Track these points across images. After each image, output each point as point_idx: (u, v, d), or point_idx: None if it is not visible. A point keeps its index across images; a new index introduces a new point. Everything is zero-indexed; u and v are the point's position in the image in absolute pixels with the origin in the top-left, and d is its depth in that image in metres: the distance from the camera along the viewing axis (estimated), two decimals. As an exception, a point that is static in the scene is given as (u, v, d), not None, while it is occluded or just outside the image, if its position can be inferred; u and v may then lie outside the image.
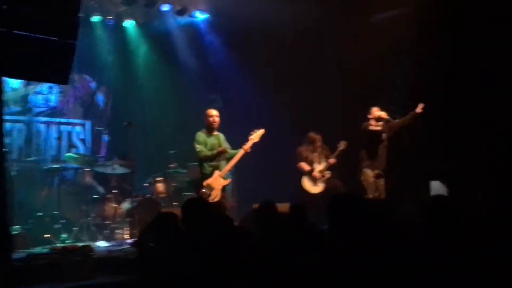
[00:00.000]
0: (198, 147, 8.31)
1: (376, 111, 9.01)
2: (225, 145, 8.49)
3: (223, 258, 3.80)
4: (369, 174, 8.95)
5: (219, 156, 8.30)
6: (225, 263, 3.77)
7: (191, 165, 10.94)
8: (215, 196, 8.11)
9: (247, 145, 8.30)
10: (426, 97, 9.38)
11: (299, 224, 5.35)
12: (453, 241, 3.70)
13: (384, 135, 9.06)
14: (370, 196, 8.64)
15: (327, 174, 9.78)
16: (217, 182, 8.21)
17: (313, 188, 9.74)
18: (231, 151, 8.42)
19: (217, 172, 8.23)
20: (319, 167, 9.78)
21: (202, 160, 8.33)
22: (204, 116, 8.53)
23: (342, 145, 9.71)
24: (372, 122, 8.99)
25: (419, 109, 8.93)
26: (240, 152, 8.31)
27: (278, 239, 4.45)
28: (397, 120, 9.12)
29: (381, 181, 8.97)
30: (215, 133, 8.47)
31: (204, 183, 8.21)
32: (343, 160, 9.82)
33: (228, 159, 8.36)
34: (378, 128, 8.93)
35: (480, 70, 8.79)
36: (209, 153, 8.25)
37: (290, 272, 3.72)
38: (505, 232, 3.88)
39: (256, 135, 8.42)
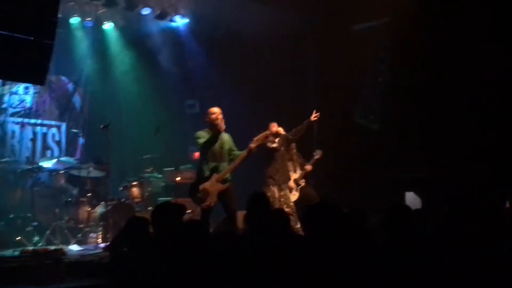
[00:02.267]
0: (200, 139, 7.62)
1: (274, 127, 9.09)
2: (231, 146, 7.79)
3: (193, 263, 3.78)
4: (274, 190, 9.01)
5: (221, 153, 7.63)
6: (196, 268, 3.75)
7: (167, 170, 10.90)
8: (210, 202, 7.45)
9: (253, 145, 7.54)
10: (404, 106, 9.50)
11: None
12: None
13: (282, 149, 9.17)
14: None
15: (302, 182, 9.78)
16: (214, 187, 7.51)
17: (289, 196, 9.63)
18: (236, 152, 7.74)
19: (215, 176, 7.54)
20: (294, 175, 9.77)
21: (204, 154, 7.66)
22: (206, 115, 7.76)
23: (318, 154, 9.77)
24: (271, 138, 9.00)
25: (313, 117, 9.17)
26: (243, 154, 7.59)
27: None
28: (291, 132, 9.28)
29: (286, 194, 9.10)
30: (221, 133, 7.69)
31: (200, 187, 7.54)
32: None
33: (231, 160, 7.71)
34: (275, 145, 8.97)
35: (457, 79, 8.92)
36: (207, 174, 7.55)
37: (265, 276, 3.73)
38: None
39: (260, 137, 7.71)
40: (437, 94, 9.22)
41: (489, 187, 8.12)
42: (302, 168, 9.83)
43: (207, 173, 7.58)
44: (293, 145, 9.82)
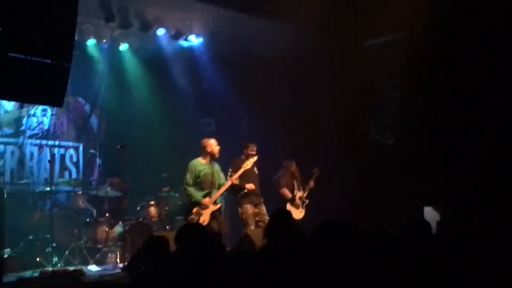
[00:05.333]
0: (190, 189, 8.59)
1: (251, 150, 9.19)
2: (220, 175, 8.83)
3: (213, 283, 3.78)
4: (249, 208, 9.07)
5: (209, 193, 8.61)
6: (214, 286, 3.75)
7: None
8: (203, 220, 8.28)
9: (236, 175, 8.68)
10: (419, 122, 9.46)
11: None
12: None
13: (255, 169, 9.25)
14: (252, 227, 8.86)
15: (307, 201, 10.01)
16: (207, 208, 8.48)
17: (295, 213, 9.73)
18: (222, 182, 8.77)
19: (207, 199, 8.49)
20: (299, 193, 10.01)
21: (199, 181, 8.61)
22: (204, 144, 8.76)
23: (317, 171, 10.08)
24: (245, 159, 9.17)
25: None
26: (228, 183, 8.69)
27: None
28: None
29: (262, 210, 9.16)
30: (212, 163, 8.77)
31: (194, 210, 8.44)
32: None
33: (220, 186, 8.72)
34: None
35: (472, 92, 8.87)
36: (199, 198, 8.51)
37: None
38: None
39: (249, 163, 8.82)
40: (452, 108, 9.17)
41: (507, 200, 8.04)
42: (304, 186, 10.00)
43: (200, 198, 8.51)
44: (295, 163, 10.00)
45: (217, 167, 8.84)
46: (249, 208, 9.06)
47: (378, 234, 4.25)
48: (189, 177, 8.62)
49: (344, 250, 3.62)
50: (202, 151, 8.80)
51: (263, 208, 9.20)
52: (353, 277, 3.38)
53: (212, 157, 8.72)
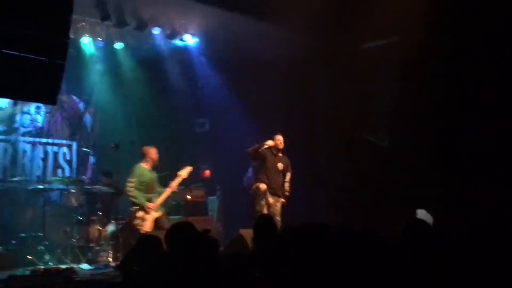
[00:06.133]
0: (135, 192, 8.80)
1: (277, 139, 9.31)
2: (157, 181, 9.27)
3: (207, 282, 3.77)
4: (263, 187, 9.19)
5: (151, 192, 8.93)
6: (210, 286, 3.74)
7: (177, 188, 10.91)
8: (148, 227, 8.62)
9: (175, 183, 9.05)
10: (415, 123, 9.48)
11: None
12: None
13: (279, 165, 9.37)
14: (257, 207, 9.05)
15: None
16: (151, 214, 8.76)
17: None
18: (159, 189, 9.12)
19: (151, 204, 8.80)
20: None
21: (142, 186, 8.91)
22: (147, 151, 9.16)
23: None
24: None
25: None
26: (168, 191, 9.03)
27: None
28: None
29: (277, 204, 9.21)
30: (151, 168, 9.14)
31: (138, 215, 8.71)
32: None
33: (160, 194, 9.02)
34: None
35: (468, 95, 8.89)
36: (143, 201, 8.77)
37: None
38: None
39: (184, 171, 9.14)
40: (448, 110, 9.19)
41: (504, 204, 8.06)
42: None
43: (145, 202, 8.76)
44: None
45: (154, 173, 9.23)
46: (263, 187, 9.12)
47: (367, 234, 4.27)
48: (134, 181, 8.83)
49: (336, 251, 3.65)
50: (144, 158, 9.12)
51: (279, 204, 9.22)
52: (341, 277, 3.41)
53: (153, 164, 9.13)
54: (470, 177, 8.76)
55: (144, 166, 9.05)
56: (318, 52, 11.30)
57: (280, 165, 9.31)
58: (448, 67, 9.17)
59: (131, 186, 8.81)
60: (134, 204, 8.79)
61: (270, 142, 9.16)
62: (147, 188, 8.96)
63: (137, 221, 8.64)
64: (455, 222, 8.22)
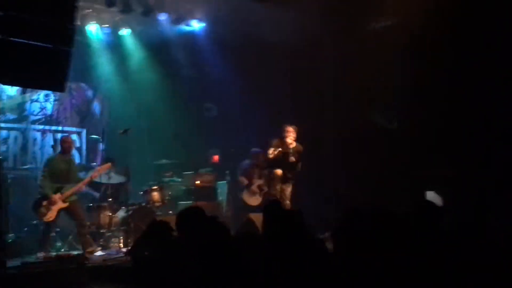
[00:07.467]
0: (43, 182, 8.73)
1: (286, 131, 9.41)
2: (76, 170, 9.28)
3: (217, 265, 3.80)
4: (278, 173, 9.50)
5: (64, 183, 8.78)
6: (219, 270, 3.76)
7: (187, 173, 10.95)
8: (50, 217, 8.51)
9: (94, 174, 9.08)
10: (423, 104, 9.43)
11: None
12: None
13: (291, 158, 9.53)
14: (272, 192, 9.51)
15: (265, 188, 10.13)
16: (56, 204, 8.57)
17: (251, 200, 10.23)
18: (78, 177, 9.16)
19: (58, 195, 8.60)
20: (258, 181, 10.26)
21: (51, 175, 8.78)
22: (62, 142, 9.21)
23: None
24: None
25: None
26: (87, 179, 9.01)
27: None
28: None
29: (287, 189, 9.55)
30: (68, 158, 9.09)
31: (44, 203, 8.55)
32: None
33: (77, 182, 8.90)
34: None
35: (477, 77, 8.83)
36: (47, 192, 8.62)
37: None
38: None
39: (103, 167, 9.24)
40: (458, 91, 9.13)
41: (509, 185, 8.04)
42: (263, 175, 10.27)
43: (49, 192, 8.61)
44: (261, 153, 10.16)
45: (74, 162, 9.32)
46: (279, 172, 9.41)
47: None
48: (46, 170, 8.82)
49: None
50: (60, 148, 9.16)
51: (289, 189, 9.52)
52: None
53: (66, 153, 9.07)
54: (478, 157, 8.72)
55: (58, 156, 9.08)
56: (326, 35, 11.24)
57: (292, 159, 9.43)
58: (456, 46, 9.10)
59: (41, 175, 8.91)
60: (42, 193, 8.72)
61: (271, 151, 9.26)
62: (61, 178, 8.81)
63: (42, 209, 8.52)
64: (464, 203, 8.21)
